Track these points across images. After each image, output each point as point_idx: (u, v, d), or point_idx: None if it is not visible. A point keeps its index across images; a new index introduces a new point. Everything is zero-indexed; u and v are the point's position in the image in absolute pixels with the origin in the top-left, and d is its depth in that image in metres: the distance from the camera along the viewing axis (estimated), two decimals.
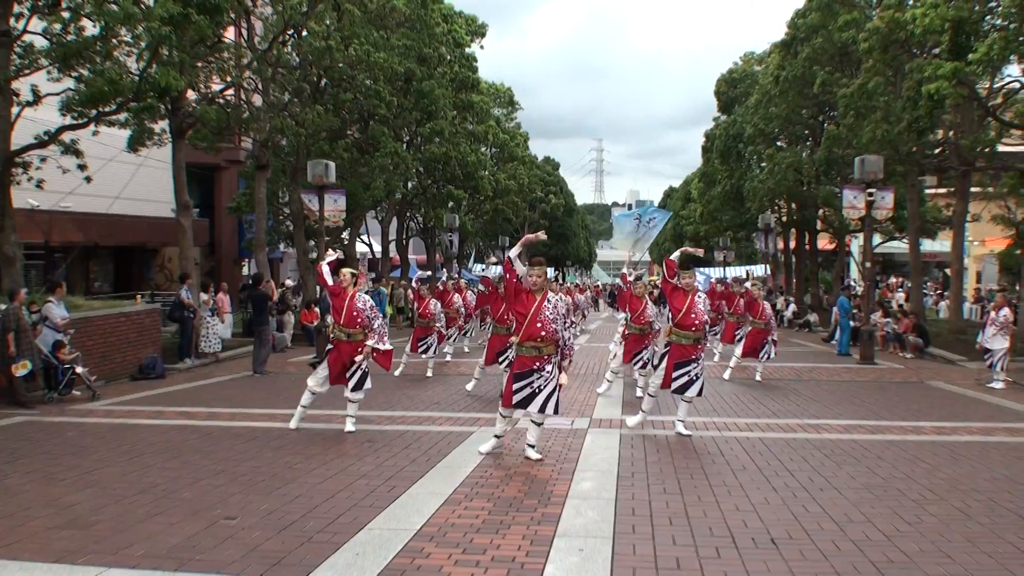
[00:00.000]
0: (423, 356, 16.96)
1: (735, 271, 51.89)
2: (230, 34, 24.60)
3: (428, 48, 29.83)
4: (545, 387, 9.02)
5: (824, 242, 40.80)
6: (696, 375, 10.61)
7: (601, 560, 5.96)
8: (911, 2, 20.43)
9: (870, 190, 19.52)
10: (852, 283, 31.92)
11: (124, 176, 27.52)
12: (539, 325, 9.01)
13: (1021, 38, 16.39)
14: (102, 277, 32.00)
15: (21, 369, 12.79)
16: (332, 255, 11.54)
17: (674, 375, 10.54)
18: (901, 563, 6.04)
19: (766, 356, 16.85)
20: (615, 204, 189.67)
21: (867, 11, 26.47)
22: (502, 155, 44.89)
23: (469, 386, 14.59)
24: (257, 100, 25.12)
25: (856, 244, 40.85)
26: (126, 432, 10.86)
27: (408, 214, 39.17)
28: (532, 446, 9.18)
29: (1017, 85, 21.45)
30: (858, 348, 21.53)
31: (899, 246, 38.47)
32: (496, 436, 9.46)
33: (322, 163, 20.60)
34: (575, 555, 6.04)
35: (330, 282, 10.97)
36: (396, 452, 9.51)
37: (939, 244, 39.34)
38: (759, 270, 49.74)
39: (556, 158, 77.61)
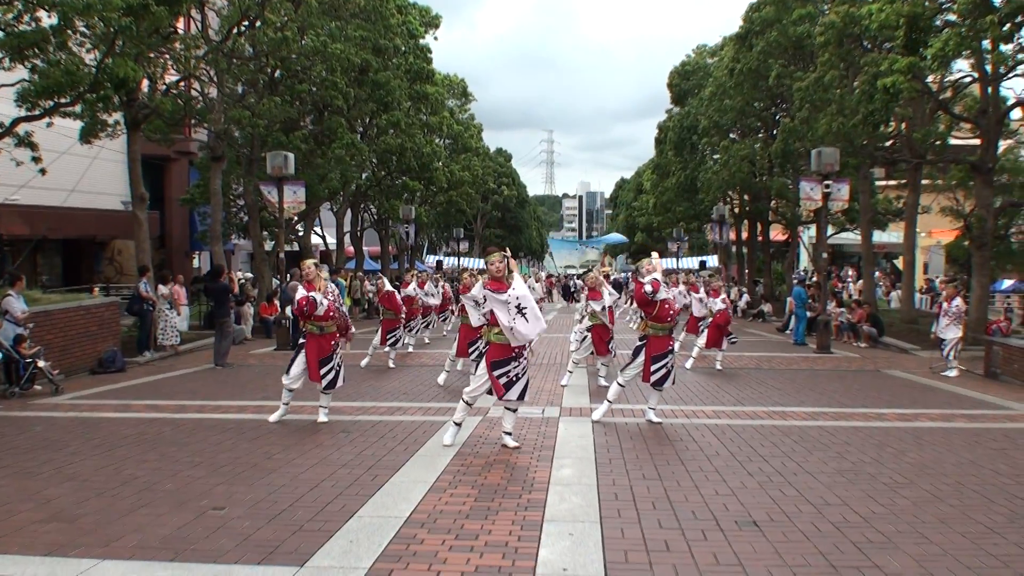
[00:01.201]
0: (391, 348, 16.96)
1: (688, 262, 52.50)
2: (181, 25, 24.33)
3: (384, 39, 29.70)
4: (523, 375, 9.10)
5: (776, 233, 41.36)
6: (671, 366, 10.76)
7: (592, 543, 6.07)
8: None
9: (827, 182, 19.87)
10: (802, 273, 32.36)
11: (73, 169, 27.13)
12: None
13: (972, 35, 16.77)
14: (49, 271, 31.48)
15: None
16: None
17: (652, 368, 10.65)
18: (880, 543, 6.23)
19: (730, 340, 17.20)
20: (565, 195, 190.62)
21: (821, 5, 26.92)
22: (456, 146, 44.83)
23: (441, 378, 14.49)
24: (212, 91, 24.84)
25: (807, 235, 41.49)
26: (96, 426, 10.73)
27: (362, 206, 38.96)
28: (509, 434, 9.26)
29: (968, 79, 21.92)
30: (814, 338, 21.91)
31: (848, 237, 39.18)
32: (456, 424, 9.45)
33: (281, 154, 20.45)
34: (566, 539, 6.14)
35: (304, 293, 10.84)
36: (372, 442, 9.53)
37: (886, 235, 40.09)
38: (711, 260, 50.28)
39: (507, 149, 77.69)
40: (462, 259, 50.81)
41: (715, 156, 38.88)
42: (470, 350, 14.14)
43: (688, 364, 17.20)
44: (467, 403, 9.37)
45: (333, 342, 10.83)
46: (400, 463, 8.44)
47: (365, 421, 10.88)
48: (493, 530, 6.35)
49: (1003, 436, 10.56)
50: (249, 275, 25.76)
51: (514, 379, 9.05)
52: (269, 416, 10.90)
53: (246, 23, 22.69)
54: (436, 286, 18.87)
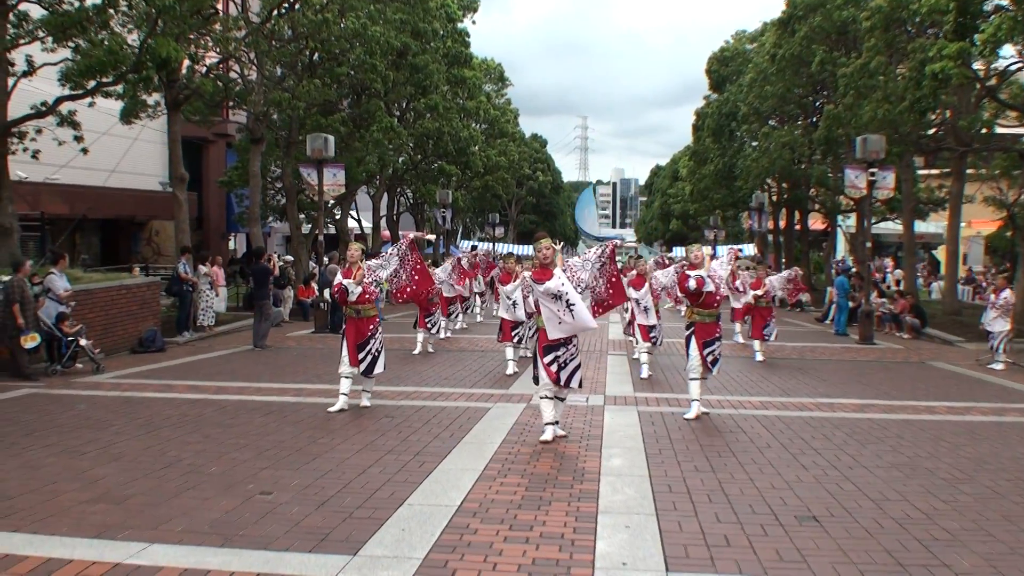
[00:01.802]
0: (432, 332, 16.84)
1: (724, 250, 52.00)
2: (221, 6, 24.32)
3: (423, 22, 29.54)
4: (571, 360, 8.91)
5: (814, 222, 40.85)
6: (719, 354, 10.55)
7: (650, 536, 5.91)
8: None
9: (872, 170, 19.50)
10: (847, 263, 31.93)
11: (112, 150, 27.23)
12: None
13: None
14: (87, 250, 31.65)
15: (30, 342, 12.61)
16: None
17: (704, 353, 10.43)
18: (946, 540, 6.03)
19: (768, 336, 16.86)
20: (599, 182, 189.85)
21: None
22: (492, 131, 44.61)
23: (509, 370, 14.00)
24: (251, 74, 24.81)
25: (845, 225, 40.90)
26: (138, 405, 10.71)
27: (398, 189, 38.91)
28: (556, 423, 9.08)
29: (1017, 66, 21.40)
30: (854, 328, 21.58)
31: (886, 227, 38.58)
32: (550, 423, 8.92)
33: (321, 137, 20.37)
34: (623, 532, 5.99)
35: (340, 279, 10.72)
36: (417, 428, 9.42)
37: (923, 225, 39.46)
38: (747, 249, 49.76)
39: (542, 135, 77.32)
40: (497, 244, 50.57)
41: (754, 143, 38.39)
42: (513, 334, 14.04)
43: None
44: (552, 398, 9.03)
45: (371, 326, 10.67)
46: (447, 450, 8.31)
47: (408, 406, 10.77)
48: (547, 521, 6.20)
49: None
50: (288, 258, 25.71)
51: (563, 364, 8.86)
52: (328, 407, 10.50)
53: (286, 5, 22.58)
54: (450, 270, 17.99)
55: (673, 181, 70.59)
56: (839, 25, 27.10)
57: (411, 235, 11.17)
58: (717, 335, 10.62)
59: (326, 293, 20.68)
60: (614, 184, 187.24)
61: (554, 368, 8.82)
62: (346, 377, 10.47)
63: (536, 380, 9.03)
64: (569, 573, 5.24)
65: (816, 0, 27.76)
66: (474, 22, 37.24)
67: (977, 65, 21.10)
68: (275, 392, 11.86)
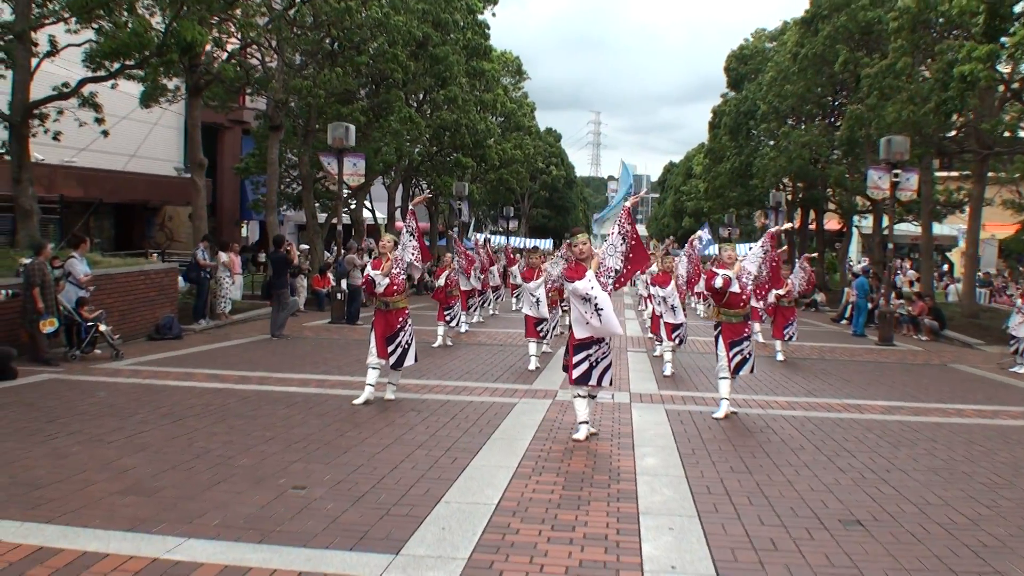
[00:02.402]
0: (452, 325, 16.71)
1: (739, 248, 51.81)
2: None
3: (444, 13, 29.37)
4: (603, 359, 8.77)
5: (829, 222, 40.61)
6: (749, 352, 10.38)
7: (695, 539, 5.78)
8: None
9: (895, 171, 19.31)
10: (867, 264, 31.65)
11: (128, 134, 27.15)
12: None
13: None
14: (100, 234, 31.58)
15: (48, 326, 12.51)
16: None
17: (730, 354, 10.28)
18: (994, 547, 5.90)
19: (789, 337, 16.70)
20: (611, 178, 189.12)
21: None
22: (508, 124, 44.42)
23: (531, 365, 13.92)
24: (271, 61, 24.68)
25: (861, 225, 40.67)
26: (160, 393, 10.61)
27: (413, 181, 38.77)
28: (585, 422, 8.92)
29: None
30: (871, 329, 21.42)
31: (901, 229, 38.34)
32: (583, 422, 8.80)
33: (342, 126, 20.25)
34: (667, 534, 5.86)
35: (369, 271, 10.63)
36: (445, 422, 9.30)
37: (936, 228, 39.25)
38: (741, 249, 49.52)
39: (556, 130, 77.03)
40: (511, 238, 50.39)
41: (771, 142, 38.15)
42: (537, 329, 13.92)
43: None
44: (585, 396, 8.92)
45: (401, 318, 10.53)
46: (477, 446, 8.19)
47: (433, 400, 10.66)
48: (589, 521, 6.07)
49: None
50: (304, 247, 25.61)
51: (595, 363, 8.72)
52: (353, 399, 10.36)
53: None
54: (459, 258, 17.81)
55: (687, 179, 70.29)
56: (864, 25, 26.85)
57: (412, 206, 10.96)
58: (745, 334, 10.46)
59: (343, 283, 20.63)
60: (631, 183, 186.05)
61: (584, 366, 8.68)
62: (373, 368, 10.32)
63: (566, 369, 8.91)
64: None
65: (841, 0, 27.52)
66: (494, 14, 37.01)
67: (1002, 67, 20.90)
68: (297, 383, 11.74)
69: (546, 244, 67.86)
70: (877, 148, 22.06)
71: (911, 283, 34.60)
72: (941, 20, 19.31)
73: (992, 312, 26.43)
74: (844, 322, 25.97)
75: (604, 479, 7.22)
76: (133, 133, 28.01)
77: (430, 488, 6.72)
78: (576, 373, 8.68)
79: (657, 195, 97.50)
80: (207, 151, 33.31)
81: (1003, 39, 17.48)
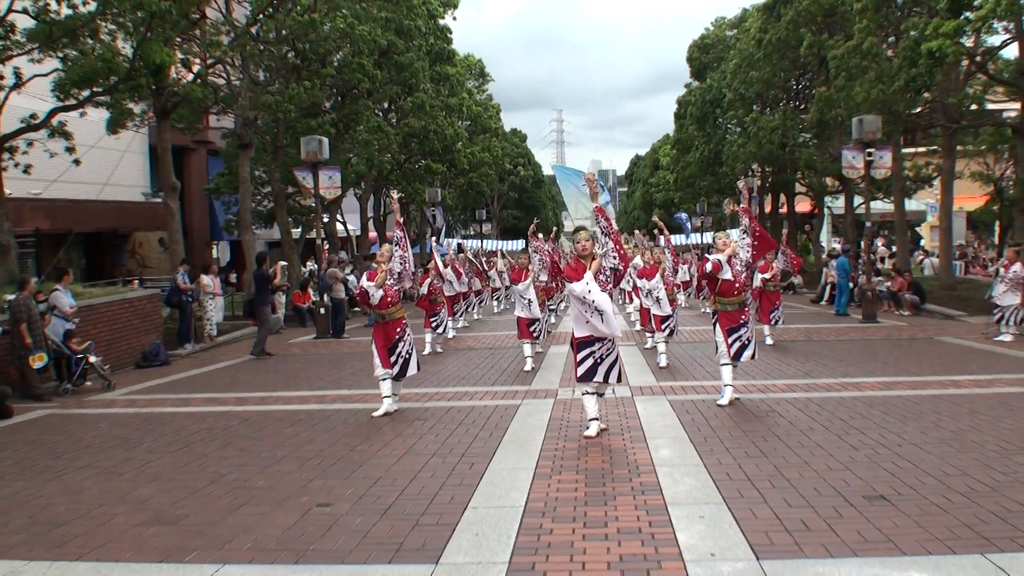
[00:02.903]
0: (439, 332, 16.65)
1: (711, 236, 52.00)
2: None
3: (407, 20, 29.31)
4: (607, 356, 8.78)
5: (800, 205, 40.92)
6: (748, 339, 10.43)
7: (727, 525, 5.80)
8: None
9: (869, 150, 19.48)
10: (847, 244, 31.90)
11: (91, 162, 26.82)
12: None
13: None
14: (70, 264, 31.19)
15: (38, 361, 12.36)
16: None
17: (729, 341, 10.33)
18: (1019, 512, 5.97)
19: (775, 321, 16.75)
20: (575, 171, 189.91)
21: None
22: (475, 127, 44.40)
23: (527, 366, 13.84)
24: (235, 79, 24.50)
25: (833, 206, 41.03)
26: (161, 421, 10.51)
27: (384, 191, 38.66)
28: (596, 419, 8.91)
29: (1002, 42, 21.45)
30: (857, 308, 21.61)
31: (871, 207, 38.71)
32: (593, 419, 8.77)
33: (315, 139, 20.14)
34: (699, 523, 5.87)
35: (365, 284, 10.61)
36: (452, 429, 9.27)
37: (906, 203, 39.69)
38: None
39: (520, 130, 77.07)
40: (484, 241, 50.37)
41: (738, 129, 38.40)
42: (531, 330, 13.92)
43: None
44: (592, 393, 8.88)
45: (399, 329, 10.49)
46: (491, 450, 8.17)
47: (436, 407, 10.63)
48: (619, 516, 6.07)
49: None
50: (282, 263, 25.42)
51: (599, 359, 8.73)
52: (358, 413, 10.41)
53: (271, 7, 22.27)
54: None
55: (654, 170, 70.59)
56: (827, 8, 27.08)
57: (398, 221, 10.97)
58: (743, 321, 10.49)
59: (325, 297, 20.53)
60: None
61: (589, 363, 8.69)
62: (383, 380, 10.29)
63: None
64: (660, 567, 5.12)
65: None
66: (455, 18, 37.06)
67: (965, 41, 21.15)
68: (296, 400, 11.68)
69: (518, 245, 67.98)
70: (847, 129, 22.26)
71: (882, 260, 34.99)
72: None
73: (969, 283, 26.73)
74: (824, 303, 26.15)
75: (624, 473, 7.22)
76: (97, 161, 27.68)
77: (454, 495, 6.70)
78: (580, 370, 8.69)
79: (625, 189, 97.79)
80: (174, 174, 33.16)
81: (967, 14, 17.67)
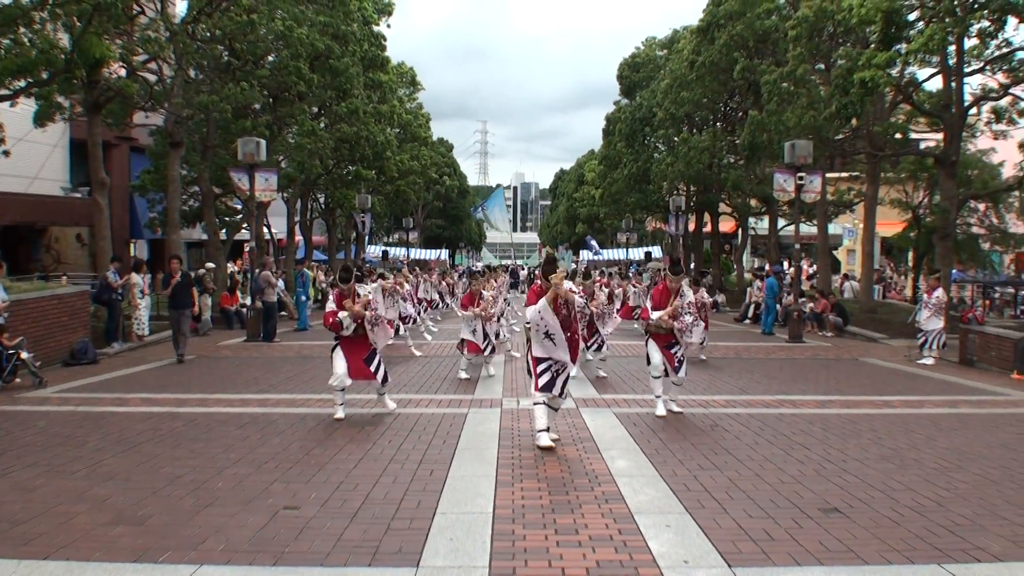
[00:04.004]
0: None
1: (634, 253, 52.74)
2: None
3: (344, 25, 29.14)
4: (563, 371, 8.96)
5: (723, 225, 41.78)
6: (682, 355, 10.75)
7: (694, 534, 5.96)
8: None
9: (800, 174, 20.05)
10: (779, 265, 32.62)
11: (13, 154, 26.05)
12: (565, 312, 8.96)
13: (953, 30, 17.10)
14: None
15: None
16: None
17: (671, 352, 10.65)
18: (966, 526, 6.29)
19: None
20: (499, 186, 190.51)
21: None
22: (405, 135, 44.27)
23: (463, 375, 14.03)
24: (168, 77, 24.05)
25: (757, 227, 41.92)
26: (102, 421, 10.26)
27: (311, 195, 38.28)
28: (545, 430, 8.98)
29: (929, 75, 22.34)
30: (781, 328, 22.17)
31: (790, 230, 39.72)
32: (543, 429, 8.80)
33: (253, 141, 19.89)
34: (667, 531, 6.02)
35: (333, 307, 10.54)
36: (405, 435, 9.29)
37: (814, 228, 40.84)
38: (656, 251, 50.61)
39: (446, 139, 77.12)
40: (410, 250, 50.33)
41: (662, 147, 39.10)
42: (482, 347, 14.01)
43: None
44: (544, 404, 8.93)
45: (367, 342, 10.55)
46: (447, 457, 8.22)
47: (385, 414, 10.59)
48: (588, 524, 6.19)
49: (1017, 421, 10.81)
50: (209, 264, 24.98)
51: (556, 373, 8.89)
52: (298, 417, 10.40)
53: (211, 5, 21.96)
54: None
55: (579, 185, 71.29)
56: (760, 33, 27.77)
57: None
58: (674, 339, 10.80)
59: (256, 301, 20.24)
60: (515, 188, 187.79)
61: (548, 376, 8.84)
62: (341, 389, 10.39)
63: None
64: (639, 573, 5.25)
65: (737, 9, 28.38)
66: (389, 25, 36.96)
67: (893, 72, 21.96)
68: (237, 404, 11.53)
69: (441, 254, 67.93)
70: (777, 152, 22.87)
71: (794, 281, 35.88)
72: (840, 28, 20.14)
73: (888, 307, 27.65)
74: (748, 321, 26.75)
75: (585, 483, 7.35)
76: (19, 154, 26.86)
77: (420, 500, 6.74)
78: (542, 381, 8.83)
79: (548, 202, 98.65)
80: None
81: (898, 46, 18.37)
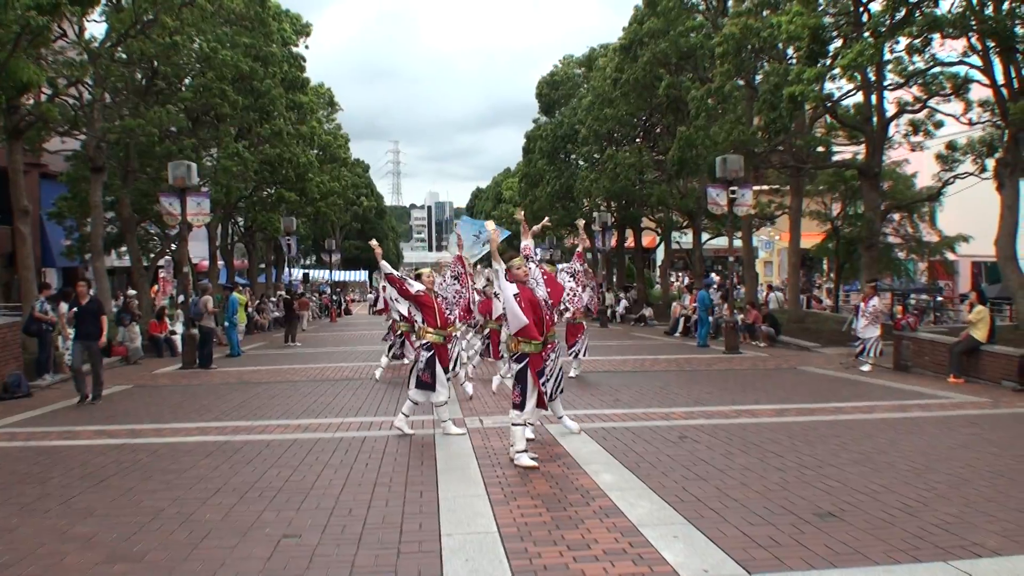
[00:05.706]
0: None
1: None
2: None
3: (265, 47, 28.81)
4: (551, 377, 9.03)
5: (646, 239, 42.38)
6: (559, 372, 10.02)
7: (704, 543, 6.03)
8: (764, 12, 21.61)
9: (732, 188, 20.47)
10: (712, 278, 33.22)
11: None
12: (548, 315, 8.98)
13: (886, 46, 17.74)
14: None
15: None
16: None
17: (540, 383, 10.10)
18: (956, 524, 6.49)
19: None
20: (413, 206, 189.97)
21: (716, 18, 27.56)
22: (325, 156, 43.91)
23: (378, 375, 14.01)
24: (85, 100, 23.40)
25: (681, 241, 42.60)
26: (59, 455, 9.89)
27: (232, 219, 37.65)
28: (524, 450, 8.90)
29: (849, 90, 23.05)
30: (716, 340, 22.55)
31: (713, 243, 40.56)
32: (522, 451, 8.72)
33: (184, 164, 19.46)
34: (676, 542, 6.07)
35: (413, 290, 10.43)
36: (380, 459, 9.16)
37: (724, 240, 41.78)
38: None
39: (361, 159, 76.67)
40: (329, 272, 49.77)
41: (587, 165, 39.51)
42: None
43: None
44: (522, 424, 8.88)
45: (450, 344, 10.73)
46: (431, 479, 8.14)
47: (351, 438, 10.43)
48: (597, 539, 6.20)
49: (967, 423, 11.18)
50: (131, 292, 24.29)
51: (547, 378, 8.99)
52: (267, 443, 10.25)
53: (137, 27, 21.44)
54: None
55: (497, 203, 71.53)
56: (684, 50, 28.32)
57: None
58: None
59: (194, 328, 19.78)
60: (429, 208, 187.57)
61: (549, 388, 8.95)
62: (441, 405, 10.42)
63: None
64: None
65: (660, 27, 28.86)
66: (307, 47, 36.66)
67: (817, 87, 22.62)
68: (195, 432, 11.25)
69: (360, 275, 67.40)
70: (705, 168, 23.31)
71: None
72: (766, 44, 20.68)
73: (815, 316, 28.37)
74: (678, 335, 27.11)
75: (578, 498, 7.35)
76: None
77: (421, 523, 6.67)
78: (530, 402, 8.88)
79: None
80: (0, 196, 31.24)
81: (824, 61, 18.92)
